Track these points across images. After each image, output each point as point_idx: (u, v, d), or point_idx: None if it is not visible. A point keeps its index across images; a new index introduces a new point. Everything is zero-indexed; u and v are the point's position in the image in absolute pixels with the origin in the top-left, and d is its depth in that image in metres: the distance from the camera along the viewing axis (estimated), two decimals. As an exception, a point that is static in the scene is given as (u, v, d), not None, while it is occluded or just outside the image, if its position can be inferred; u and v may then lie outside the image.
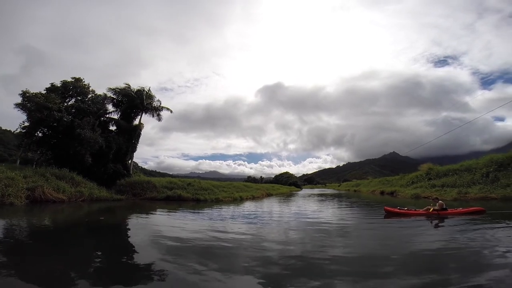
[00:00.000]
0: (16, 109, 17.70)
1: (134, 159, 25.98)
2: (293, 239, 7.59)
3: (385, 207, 12.85)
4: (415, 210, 11.99)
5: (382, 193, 34.55)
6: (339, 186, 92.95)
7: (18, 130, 18.45)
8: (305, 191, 70.07)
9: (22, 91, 17.23)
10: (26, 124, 18.06)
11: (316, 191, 69.20)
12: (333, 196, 35.09)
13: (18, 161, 24.29)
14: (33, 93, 17.55)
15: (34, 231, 7.99)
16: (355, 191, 53.32)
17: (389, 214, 12.11)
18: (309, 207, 19.00)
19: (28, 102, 17.18)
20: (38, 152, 20.10)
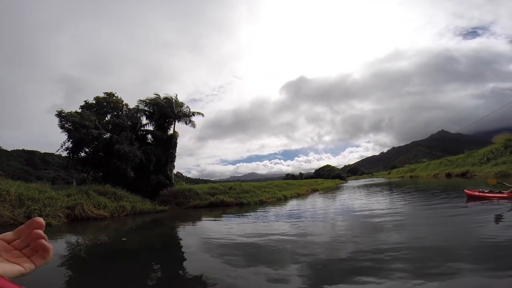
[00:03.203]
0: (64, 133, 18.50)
1: (178, 169, 26.08)
2: (354, 235, 7.11)
3: (466, 190, 11.70)
4: (499, 192, 10.34)
5: (448, 175, 29.85)
6: (389, 174, 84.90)
7: (59, 152, 18.93)
8: (351, 183, 65.22)
9: (57, 111, 17.51)
10: (68, 144, 18.56)
11: (364, 181, 63.75)
12: (387, 186, 31.37)
13: (75, 182, 25.86)
14: (68, 112, 17.85)
15: (75, 250, 7.38)
16: (411, 177, 47.71)
17: (470, 198, 10.77)
18: (369, 200, 16.70)
19: (66, 122, 17.51)
20: (84, 171, 20.75)
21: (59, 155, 19.79)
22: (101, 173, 20.46)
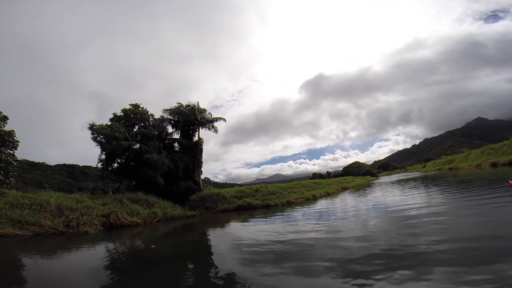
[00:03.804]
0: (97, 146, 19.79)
1: (206, 175, 26.62)
2: (387, 234, 6.94)
3: (510, 182, 11.23)
4: None
5: (494, 165, 27.16)
6: (424, 167, 79.54)
7: (98, 164, 20.16)
8: (383, 179, 62.00)
9: (89, 124, 18.70)
10: (102, 156, 19.72)
11: (397, 177, 60.25)
12: (423, 180, 29.33)
13: (110, 191, 27.51)
14: (99, 125, 18.96)
15: (113, 257, 7.72)
16: (450, 169, 44.24)
17: None
18: (404, 196, 15.71)
19: (98, 135, 18.62)
20: (118, 180, 21.90)
21: (97, 167, 21.11)
22: (134, 182, 21.51)
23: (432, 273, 3.99)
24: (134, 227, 13.63)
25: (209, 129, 25.82)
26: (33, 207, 12.14)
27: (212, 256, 7.16)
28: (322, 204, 17.52)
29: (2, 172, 14.73)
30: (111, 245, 9.72)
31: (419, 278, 3.87)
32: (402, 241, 5.96)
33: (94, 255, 7.90)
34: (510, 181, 11.25)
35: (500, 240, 5.05)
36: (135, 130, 21.80)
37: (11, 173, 15.33)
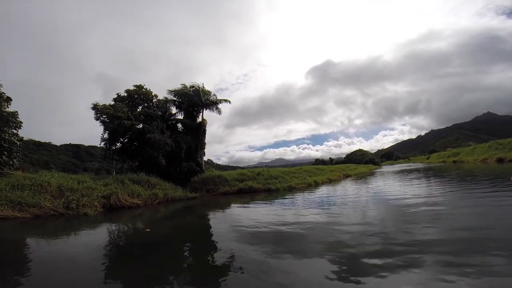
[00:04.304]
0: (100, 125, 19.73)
1: (209, 156, 26.66)
2: (385, 225, 6.86)
3: None
4: None
5: (500, 160, 26.65)
6: (428, 158, 78.72)
7: (101, 144, 20.16)
8: (386, 168, 61.71)
9: (92, 104, 18.58)
10: (105, 136, 19.69)
11: (399, 167, 59.79)
12: (426, 171, 29.04)
13: (114, 172, 27.75)
14: (102, 105, 18.81)
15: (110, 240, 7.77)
16: (454, 162, 43.72)
17: None
18: (405, 187, 15.56)
19: (101, 114, 18.51)
20: (121, 160, 21.97)
21: (102, 147, 21.13)
22: (137, 162, 21.58)
23: (422, 260, 4.17)
24: (134, 209, 13.52)
25: (213, 110, 25.55)
26: (33, 188, 11.99)
27: (211, 240, 7.14)
28: (323, 191, 17.46)
29: (5, 153, 14.64)
30: (110, 227, 9.66)
31: (409, 264, 4.07)
32: (397, 228, 6.24)
33: (94, 238, 7.89)
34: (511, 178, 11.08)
35: (489, 231, 5.32)
36: (138, 110, 21.63)
37: (15, 153, 15.26)
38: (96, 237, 7.96)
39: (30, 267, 5.27)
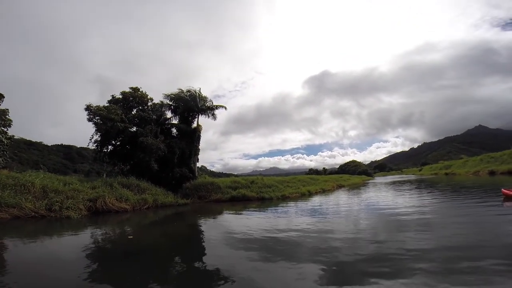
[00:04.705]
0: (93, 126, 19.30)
1: (203, 163, 26.36)
2: (376, 234, 6.89)
3: (503, 190, 11.26)
4: None
5: (492, 173, 27.00)
6: (420, 170, 79.61)
7: (90, 145, 19.67)
8: (379, 179, 62.05)
9: (86, 105, 18.26)
10: (96, 138, 19.27)
11: (392, 178, 60.39)
12: (418, 183, 29.21)
13: (104, 175, 27.12)
14: (96, 106, 18.49)
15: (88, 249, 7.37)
16: (446, 174, 44.20)
17: (508, 199, 10.26)
18: (397, 198, 15.57)
19: (94, 116, 18.17)
20: (111, 163, 21.48)
21: (93, 149, 20.63)
22: (128, 166, 21.11)
23: (413, 267, 4.21)
24: (121, 214, 13.11)
25: (208, 116, 25.35)
26: (15, 188, 11.54)
27: (201, 247, 6.97)
28: (317, 201, 17.32)
29: None
30: (93, 231, 9.19)
31: (400, 271, 4.13)
32: (389, 237, 6.33)
33: (76, 242, 7.50)
34: (503, 189, 11.28)
35: (480, 240, 5.42)
36: (133, 113, 21.34)
37: (1, 152, 14.78)
38: (77, 242, 7.53)
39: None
